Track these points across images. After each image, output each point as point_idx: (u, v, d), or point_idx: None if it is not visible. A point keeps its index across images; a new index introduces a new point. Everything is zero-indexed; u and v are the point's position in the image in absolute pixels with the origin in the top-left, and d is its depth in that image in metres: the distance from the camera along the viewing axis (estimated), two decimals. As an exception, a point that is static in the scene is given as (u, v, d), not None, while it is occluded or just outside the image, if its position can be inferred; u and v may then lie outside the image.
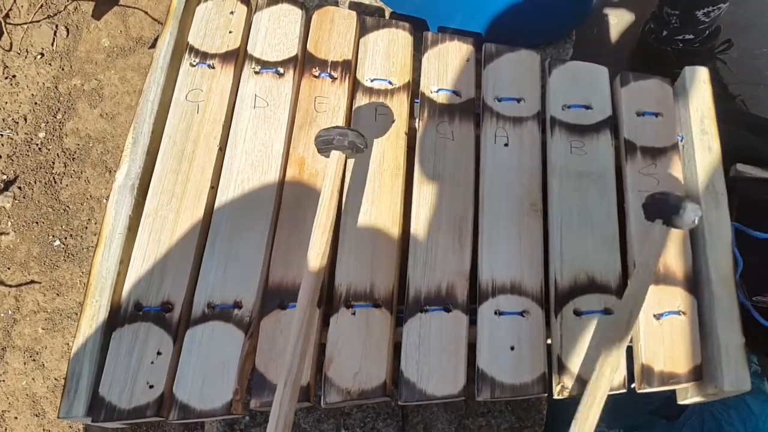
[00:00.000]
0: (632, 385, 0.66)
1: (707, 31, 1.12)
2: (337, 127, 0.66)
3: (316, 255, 0.61)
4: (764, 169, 0.96)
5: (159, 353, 0.61)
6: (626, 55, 1.29)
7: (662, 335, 0.67)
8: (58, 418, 0.61)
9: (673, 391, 0.71)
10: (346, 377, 0.62)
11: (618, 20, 1.33)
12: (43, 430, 0.96)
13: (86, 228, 1.08)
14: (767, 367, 0.95)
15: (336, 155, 0.65)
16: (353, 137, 0.64)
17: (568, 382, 0.64)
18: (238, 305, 0.64)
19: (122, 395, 0.60)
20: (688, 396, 0.70)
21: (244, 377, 0.62)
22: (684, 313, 0.68)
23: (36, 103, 1.16)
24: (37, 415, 0.96)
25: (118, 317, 0.63)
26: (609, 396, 0.91)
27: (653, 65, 1.16)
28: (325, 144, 0.65)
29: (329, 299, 0.66)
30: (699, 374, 0.66)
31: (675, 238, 0.71)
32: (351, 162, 0.71)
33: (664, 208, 0.64)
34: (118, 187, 0.69)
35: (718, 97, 1.17)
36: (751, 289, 0.85)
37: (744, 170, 0.96)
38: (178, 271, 0.65)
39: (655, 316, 0.67)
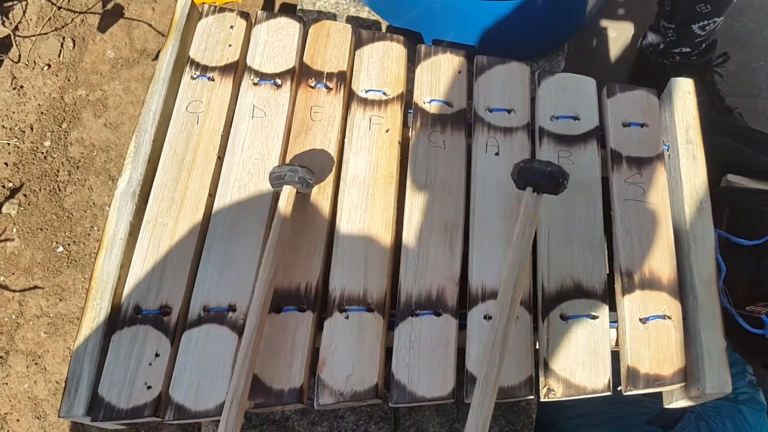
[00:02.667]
0: (618, 388, 0.68)
1: (704, 44, 1.14)
2: (288, 164, 0.70)
3: (265, 280, 0.64)
4: (755, 179, 0.98)
5: (157, 355, 0.63)
6: (625, 67, 1.31)
7: (648, 339, 0.68)
8: (58, 417, 0.63)
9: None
10: (339, 379, 0.64)
11: (618, 33, 1.35)
12: (45, 432, 0.98)
13: (89, 235, 1.11)
14: (762, 377, 0.96)
15: (287, 189, 0.68)
16: (303, 173, 0.68)
17: (554, 384, 0.66)
18: (232, 308, 0.66)
19: (121, 395, 0.61)
20: (674, 399, 0.71)
21: (239, 379, 0.63)
22: (669, 318, 0.69)
23: (42, 113, 1.19)
24: (38, 418, 0.98)
25: (117, 320, 0.65)
26: (605, 405, 0.94)
27: (652, 78, 1.18)
28: (277, 179, 0.68)
29: (323, 303, 0.68)
30: (683, 377, 0.67)
31: (661, 245, 0.73)
32: (350, 167, 0.73)
33: (532, 176, 0.66)
34: (120, 194, 0.71)
35: (715, 110, 1.20)
36: (745, 299, 0.86)
37: (734, 180, 0.98)
38: (176, 276, 0.67)
39: (641, 320, 0.69)
